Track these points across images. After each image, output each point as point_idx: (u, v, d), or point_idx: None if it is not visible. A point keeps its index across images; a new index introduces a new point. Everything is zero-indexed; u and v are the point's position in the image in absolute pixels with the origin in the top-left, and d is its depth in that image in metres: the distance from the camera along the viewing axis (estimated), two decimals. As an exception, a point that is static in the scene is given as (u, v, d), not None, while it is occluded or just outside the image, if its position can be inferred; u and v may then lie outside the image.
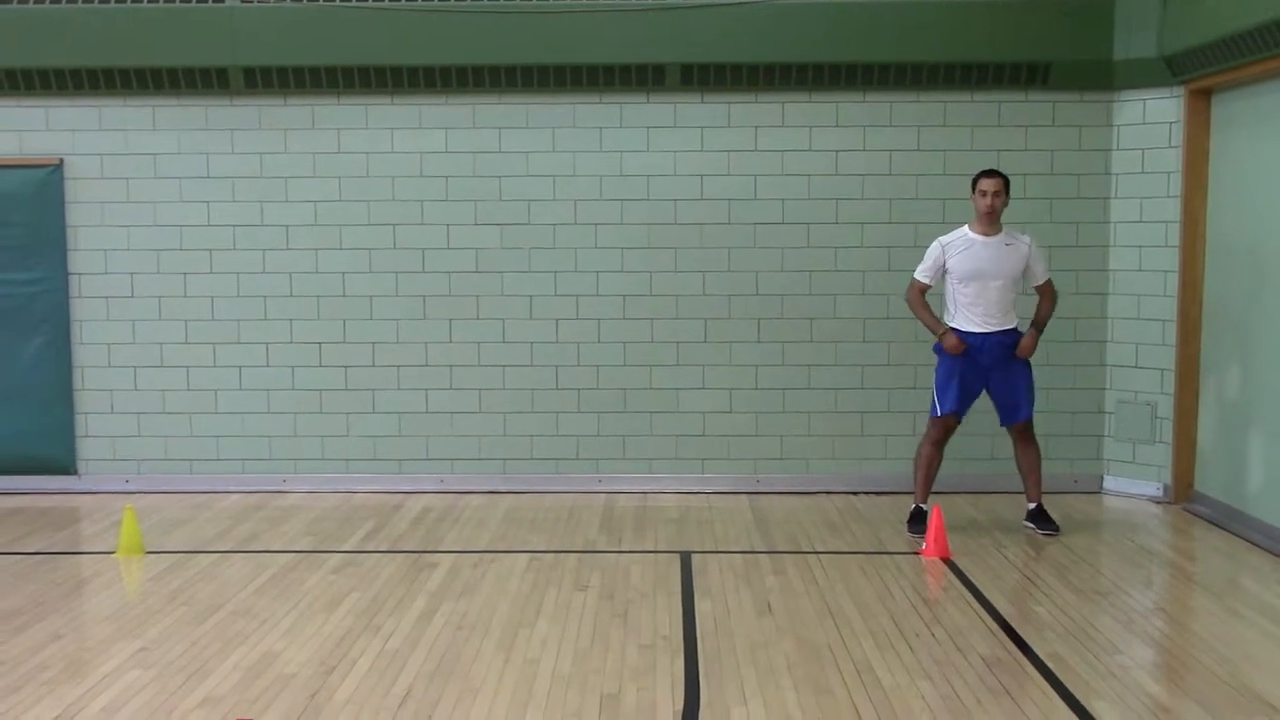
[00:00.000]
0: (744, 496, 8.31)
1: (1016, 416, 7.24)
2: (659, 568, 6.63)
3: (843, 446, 8.44)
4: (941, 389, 7.22)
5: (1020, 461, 7.37)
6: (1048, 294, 7.30)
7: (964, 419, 7.34)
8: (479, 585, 6.29)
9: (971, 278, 7.11)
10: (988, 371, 7.18)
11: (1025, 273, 7.19)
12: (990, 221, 7.09)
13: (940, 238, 7.24)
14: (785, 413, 8.41)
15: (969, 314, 7.16)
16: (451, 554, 6.90)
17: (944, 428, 7.27)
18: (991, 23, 8.07)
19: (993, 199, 7.03)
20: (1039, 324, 7.27)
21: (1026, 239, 7.20)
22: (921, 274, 7.25)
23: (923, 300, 7.29)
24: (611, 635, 5.51)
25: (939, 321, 7.27)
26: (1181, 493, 8.05)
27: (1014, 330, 7.20)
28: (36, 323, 8.43)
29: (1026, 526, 7.34)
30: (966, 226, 7.20)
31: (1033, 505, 7.35)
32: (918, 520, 7.24)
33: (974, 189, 7.15)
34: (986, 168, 7.32)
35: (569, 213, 8.35)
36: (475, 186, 8.35)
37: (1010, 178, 8.20)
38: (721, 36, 8.08)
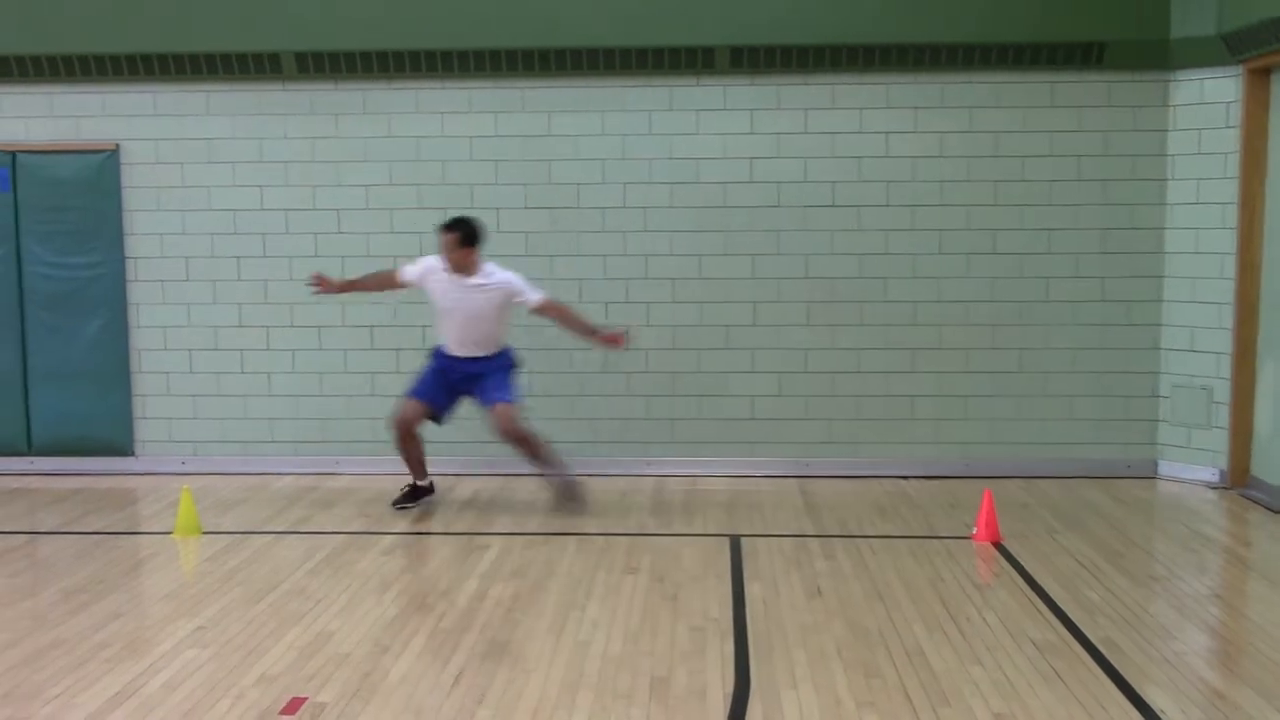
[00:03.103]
0: (793, 480, 8.30)
1: (485, 401, 7.34)
2: (708, 551, 6.64)
3: (892, 430, 8.40)
4: (420, 376, 7.48)
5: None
6: (553, 311, 7.37)
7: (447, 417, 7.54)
8: (530, 567, 6.33)
9: (443, 314, 7.29)
10: (462, 385, 7.40)
11: (515, 304, 7.32)
12: (455, 268, 7.19)
13: (429, 260, 7.34)
14: (835, 396, 8.38)
15: (445, 335, 7.36)
16: (502, 536, 6.95)
17: (408, 410, 7.38)
18: (1045, 2, 7.97)
19: (446, 255, 7.18)
20: (588, 329, 7.38)
21: (503, 279, 7.25)
22: (404, 269, 7.43)
23: (373, 279, 7.62)
24: (661, 617, 5.53)
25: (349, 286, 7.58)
26: (1238, 478, 7.95)
27: (495, 356, 7.39)
28: (95, 306, 8.56)
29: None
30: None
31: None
32: (411, 497, 7.57)
33: None
34: (452, 218, 7.31)
35: (618, 196, 8.36)
36: (525, 170, 8.38)
37: (1061, 159, 8.17)
38: (771, 18, 8.04)
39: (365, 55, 8.20)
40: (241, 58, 8.25)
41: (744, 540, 6.84)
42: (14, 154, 8.48)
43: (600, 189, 8.36)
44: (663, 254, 8.38)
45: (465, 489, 8.09)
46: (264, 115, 8.43)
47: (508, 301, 7.28)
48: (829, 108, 8.24)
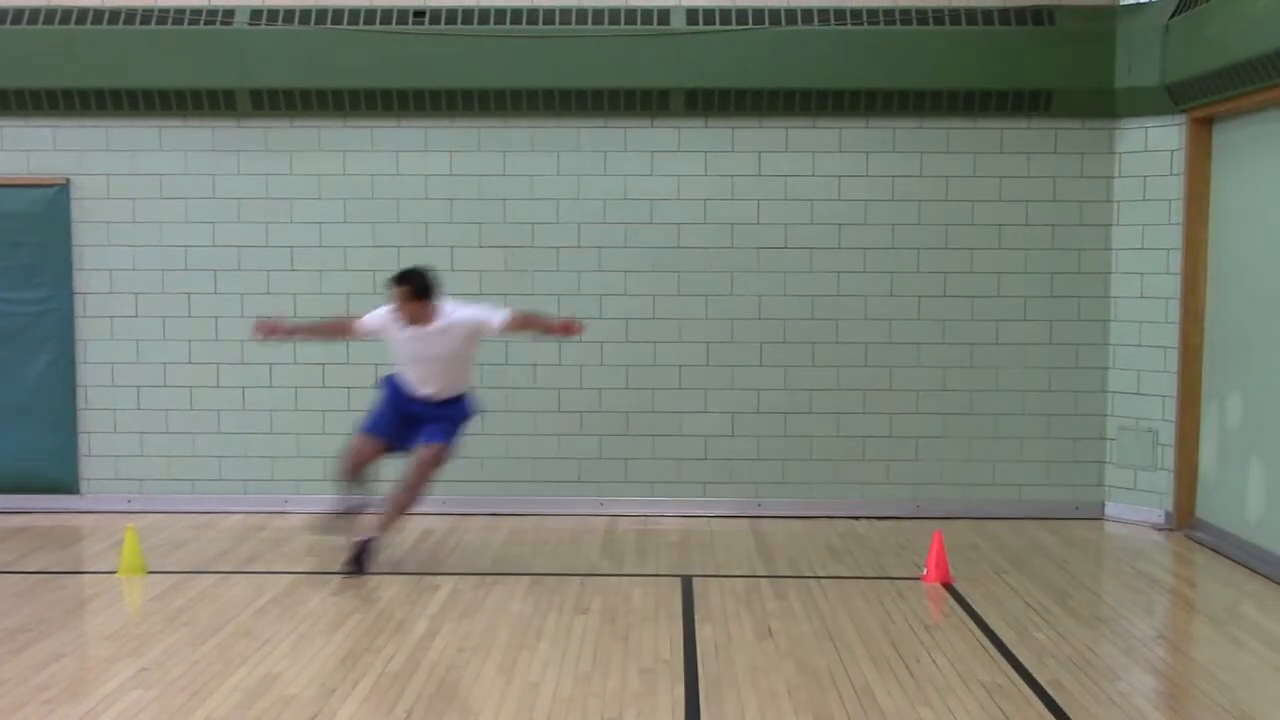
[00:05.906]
0: (745, 520, 8.31)
1: (423, 438, 6.92)
2: (660, 591, 6.63)
3: (844, 471, 8.44)
4: (374, 410, 7.09)
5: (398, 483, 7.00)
6: (520, 322, 6.86)
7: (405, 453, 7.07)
8: (480, 608, 6.29)
9: (406, 361, 6.90)
10: (413, 417, 6.97)
11: (481, 335, 6.90)
12: (411, 320, 6.74)
13: (386, 312, 6.86)
14: (787, 436, 8.42)
15: (407, 377, 6.95)
16: (453, 576, 6.90)
17: (361, 447, 6.98)
18: (994, 50, 8.11)
19: (400, 308, 6.71)
20: (552, 325, 6.95)
21: (463, 316, 6.78)
22: (362, 320, 7.02)
23: (327, 326, 7.44)
24: (612, 659, 5.51)
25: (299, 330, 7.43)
26: (1183, 519, 8.05)
27: (455, 402, 6.98)
28: (42, 341, 8.45)
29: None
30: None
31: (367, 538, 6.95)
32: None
33: None
34: (402, 271, 6.81)
35: (573, 236, 8.39)
36: (480, 209, 8.39)
37: (1010, 204, 8.30)
38: (725, 62, 8.13)
39: (320, 93, 8.20)
40: (195, 93, 8.22)
41: (696, 581, 6.83)
42: (-38, 187, 8.40)
43: (554, 228, 8.38)
44: (617, 293, 8.41)
45: (415, 528, 8.03)
46: (217, 151, 8.39)
47: (474, 337, 6.85)
48: (782, 151, 8.33)
